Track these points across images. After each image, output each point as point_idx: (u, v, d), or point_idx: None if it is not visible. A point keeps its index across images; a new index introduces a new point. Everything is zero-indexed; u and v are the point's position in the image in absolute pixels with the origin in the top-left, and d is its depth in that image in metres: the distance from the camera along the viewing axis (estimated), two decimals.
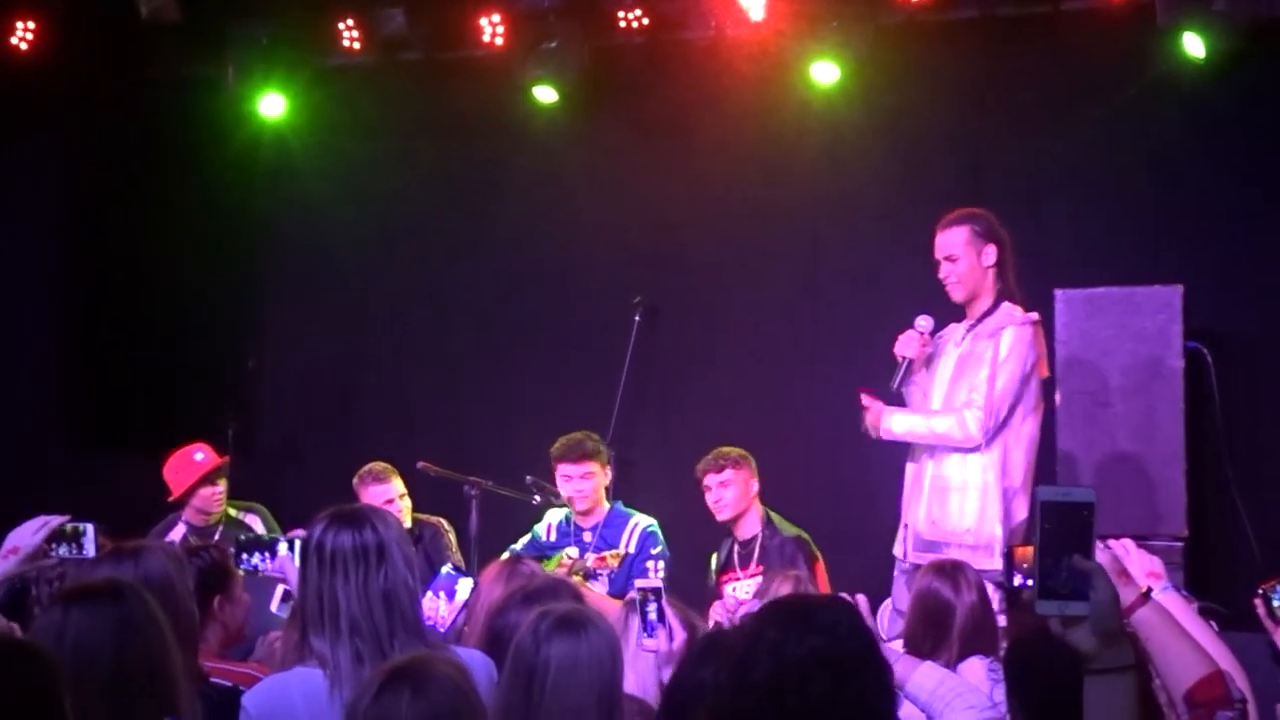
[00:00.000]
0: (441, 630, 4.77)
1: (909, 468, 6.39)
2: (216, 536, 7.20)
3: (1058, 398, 7.06)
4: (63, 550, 4.35)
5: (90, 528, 4.36)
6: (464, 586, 4.67)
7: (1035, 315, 6.28)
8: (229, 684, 3.91)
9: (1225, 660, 3.64)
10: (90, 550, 4.35)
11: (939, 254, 6.34)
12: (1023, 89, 8.11)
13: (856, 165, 8.22)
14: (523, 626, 3.46)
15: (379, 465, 7.33)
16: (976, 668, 4.71)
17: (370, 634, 3.54)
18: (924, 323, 6.33)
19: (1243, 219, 7.74)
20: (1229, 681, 3.54)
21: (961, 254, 6.28)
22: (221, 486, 7.38)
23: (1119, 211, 7.86)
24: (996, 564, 5.75)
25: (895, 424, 6.28)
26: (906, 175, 8.10)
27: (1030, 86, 8.09)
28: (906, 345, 6.33)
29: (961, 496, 6.17)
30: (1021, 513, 6.10)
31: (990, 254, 6.27)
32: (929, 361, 6.41)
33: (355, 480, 7.26)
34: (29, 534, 4.31)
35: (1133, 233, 7.80)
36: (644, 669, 4.36)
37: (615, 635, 3.47)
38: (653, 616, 4.42)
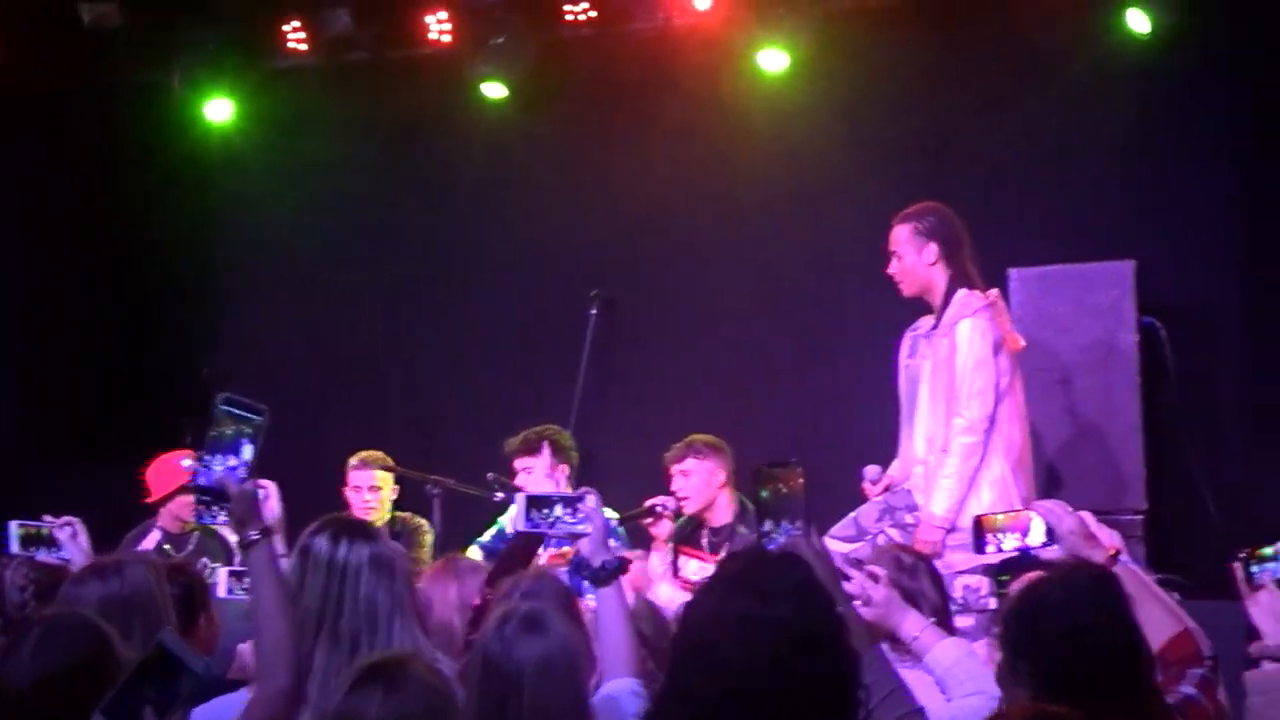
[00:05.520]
0: None
1: (918, 470, 6.18)
2: (191, 544, 7.18)
3: None
4: (40, 553, 4.29)
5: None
6: None
7: (992, 295, 6.19)
8: None
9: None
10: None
11: (890, 250, 6.31)
12: (971, 71, 8.12)
13: (810, 152, 8.23)
14: (485, 632, 3.26)
15: (372, 453, 7.56)
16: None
17: (368, 646, 3.51)
18: (872, 472, 6.30)
19: (1192, 192, 7.78)
20: (1199, 639, 3.59)
21: (902, 252, 6.23)
22: None
23: (1070, 189, 7.89)
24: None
25: (936, 506, 5.99)
26: (859, 160, 8.11)
27: (979, 68, 8.10)
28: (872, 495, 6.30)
29: (976, 492, 5.98)
30: (1026, 486, 6.03)
31: (931, 252, 6.16)
32: (913, 377, 6.28)
33: (353, 460, 7.52)
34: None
35: (1084, 209, 7.83)
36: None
37: (574, 629, 3.37)
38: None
